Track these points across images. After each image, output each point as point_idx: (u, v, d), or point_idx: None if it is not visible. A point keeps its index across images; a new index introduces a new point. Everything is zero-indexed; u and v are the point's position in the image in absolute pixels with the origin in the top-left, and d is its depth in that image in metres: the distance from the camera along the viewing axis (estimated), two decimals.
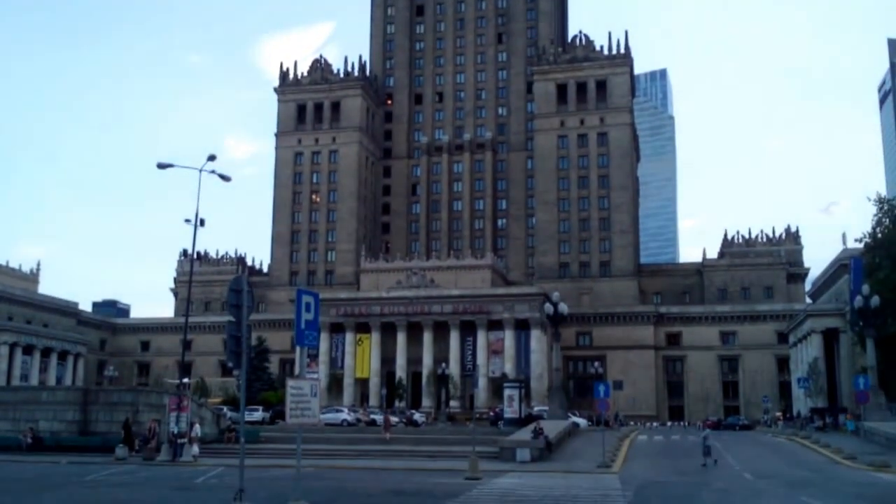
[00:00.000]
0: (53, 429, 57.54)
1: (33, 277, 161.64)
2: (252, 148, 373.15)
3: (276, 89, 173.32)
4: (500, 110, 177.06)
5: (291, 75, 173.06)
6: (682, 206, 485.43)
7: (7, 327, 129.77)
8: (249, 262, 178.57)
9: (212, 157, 49.50)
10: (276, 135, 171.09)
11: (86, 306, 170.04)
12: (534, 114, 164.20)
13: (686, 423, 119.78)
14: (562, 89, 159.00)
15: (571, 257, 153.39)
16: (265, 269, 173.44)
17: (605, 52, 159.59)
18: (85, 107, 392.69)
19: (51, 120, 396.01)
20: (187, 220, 52.35)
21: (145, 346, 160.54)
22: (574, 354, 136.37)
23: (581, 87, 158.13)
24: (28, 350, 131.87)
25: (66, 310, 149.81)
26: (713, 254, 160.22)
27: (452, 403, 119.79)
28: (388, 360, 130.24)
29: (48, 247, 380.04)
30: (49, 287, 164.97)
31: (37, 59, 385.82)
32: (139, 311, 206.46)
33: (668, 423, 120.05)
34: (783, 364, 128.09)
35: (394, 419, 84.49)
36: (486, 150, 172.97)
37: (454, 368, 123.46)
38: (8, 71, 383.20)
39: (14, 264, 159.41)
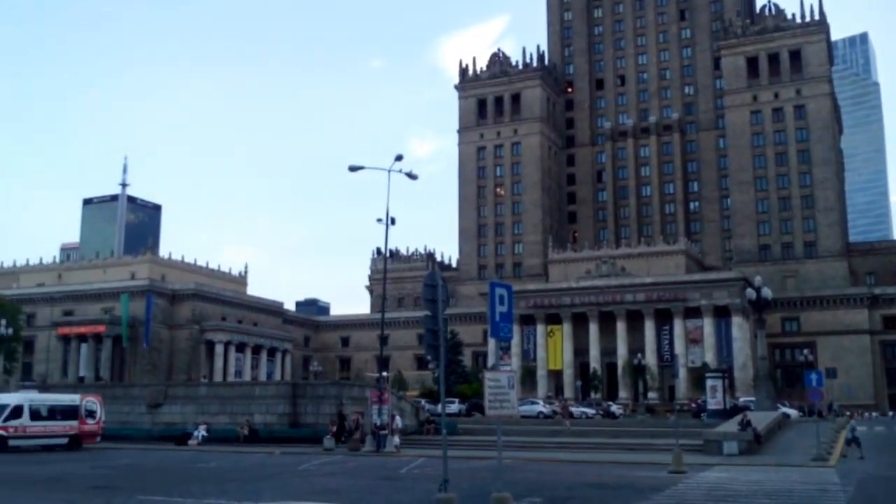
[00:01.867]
0: (266, 421, 60.82)
1: (242, 280, 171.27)
2: (434, 145, 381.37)
3: (456, 86, 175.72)
4: (686, 89, 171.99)
5: (471, 71, 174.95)
6: (893, 179, 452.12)
7: (222, 327, 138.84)
8: (438, 258, 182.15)
9: (399, 158, 50.85)
10: (459, 131, 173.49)
11: (290, 305, 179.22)
12: (723, 90, 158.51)
13: None
14: (752, 62, 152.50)
15: (772, 238, 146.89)
16: (454, 264, 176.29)
17: (798, 19, 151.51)
18: (280, 116, 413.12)
19: (250, 132, 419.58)
20: (379, 220, 54.02)
21: (345, 341, 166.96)
22: (780, 342, 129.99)
23: (773, 59, 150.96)
24: (241, 348, 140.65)
25: (272, 309, 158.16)
26: None
27: (650, 395, 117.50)
28: (581, 351, 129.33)
29: (254, 251, 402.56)
30: (256, 289, 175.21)
31: (228, 76, 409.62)
32: (338, 309, 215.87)
33: (890, 413, 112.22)
34: None
35: (590, 411, 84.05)
36: (674, 132, 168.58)
37: (650, 359, 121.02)
38: (220, 88, 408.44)
39: (224, 268, 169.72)
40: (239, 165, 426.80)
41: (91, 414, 52.18)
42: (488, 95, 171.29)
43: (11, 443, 46.47)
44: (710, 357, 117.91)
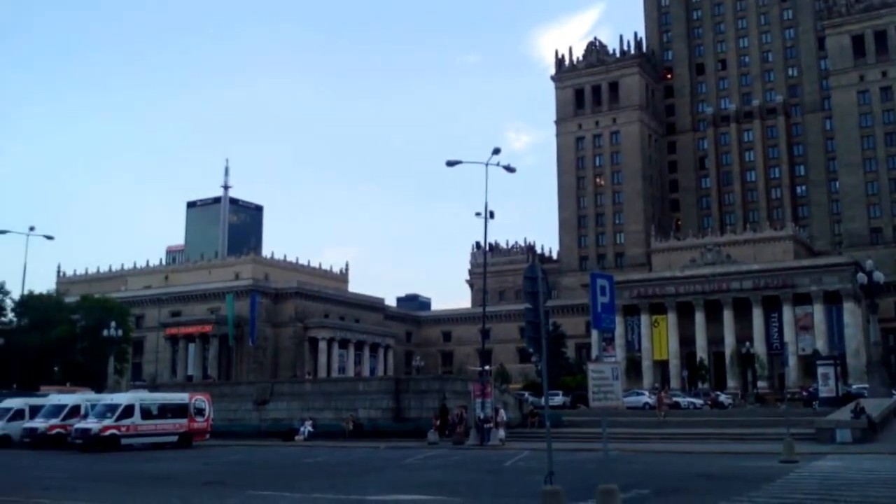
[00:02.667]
0: (370, 416, 61.34)
1: (343, 277, 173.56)
2: (531, 138, 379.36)
3: (552, 77, 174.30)
4: (789, 71, 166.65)
5: (567, 62, 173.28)
6: None
7: (324, 324, 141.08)
8: (538, 250, 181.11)
9: (496, 151, 50.59)
10: (556, 122, 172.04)
11: (391, 302, 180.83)
12: (828, 71, 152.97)
13: None
14: (858, 41, 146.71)
15: (884, 221, 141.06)
16: (554, 256, 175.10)
17: None
18: (378, 115, 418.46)
19: (348, 131, 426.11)
20: (478, 214, 53.82)
21: (447, 336, 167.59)
22: (894, 327, 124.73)
23: (880, 37, 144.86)
24: (343, 344, 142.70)
25: (373, 306, 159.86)
26: None
27: (760, 384, 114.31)
28: (686, 341, 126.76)
29: (354, 249, 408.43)
30: (357, 286, 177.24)
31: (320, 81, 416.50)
32: (439, 304, 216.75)
33: None
34: None
35: (698, 401, 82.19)
36: (778, 115, 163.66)
37: (759, 347, 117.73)
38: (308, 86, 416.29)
39: (325, 266, 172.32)
40: (338, 165, 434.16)
41: (200, 412, 53.41)
42: (585, 85, 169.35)
43: (123, 441, 47.79)
44: (820, 344, 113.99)
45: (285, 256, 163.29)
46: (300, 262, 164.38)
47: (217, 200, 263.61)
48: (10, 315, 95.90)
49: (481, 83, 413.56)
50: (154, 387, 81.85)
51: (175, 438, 50.81)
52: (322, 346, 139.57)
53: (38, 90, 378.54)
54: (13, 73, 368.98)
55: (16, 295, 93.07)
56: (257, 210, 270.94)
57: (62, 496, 23.62)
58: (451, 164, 51.26)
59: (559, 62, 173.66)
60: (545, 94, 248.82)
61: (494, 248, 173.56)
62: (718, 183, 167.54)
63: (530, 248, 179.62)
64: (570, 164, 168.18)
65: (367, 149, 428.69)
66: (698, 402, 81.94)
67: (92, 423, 47.84)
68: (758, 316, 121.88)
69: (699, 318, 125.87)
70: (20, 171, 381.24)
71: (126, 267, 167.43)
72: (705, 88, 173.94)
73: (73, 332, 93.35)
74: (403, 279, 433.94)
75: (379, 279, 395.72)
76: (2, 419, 52.63)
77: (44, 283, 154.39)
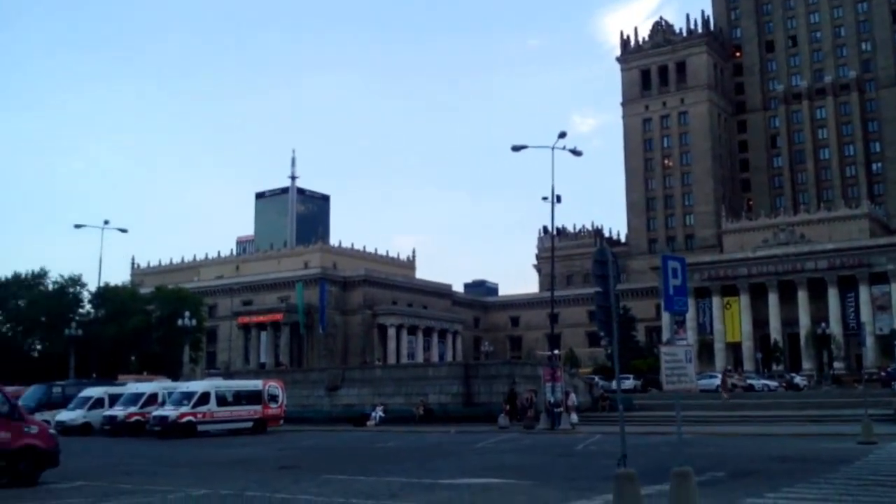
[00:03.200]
0: (441, 401, 61.66)
1: (410, 264, 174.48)
2: (597, 121, 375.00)
3: (617, 58, 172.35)
4: (863, 46, 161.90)
5: (632, 42, 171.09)
6: None
7: (393, 311, 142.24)
8: (606, 233, 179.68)
9: (562, 135, 50.39)
10: (622, 104, 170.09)
11: (458, 288, 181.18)
12: None
13: None
14: None
15: None
16: (622, 239, 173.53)
17: None
18: (441, 102, 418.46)
19: (412, 119, 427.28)
20: (544, 198, 53.59)
21: (515, 321, 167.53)
22: None
23: None
24: (412, 330, 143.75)
25: (441, 292, 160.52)
26: None
27: (836, 365, 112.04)
28: (760, 323, 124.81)
29: (421, 236, 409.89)
30: (424, 273, 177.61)
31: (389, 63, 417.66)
32: (506, 289, 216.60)
33: None
34: None
35: (772, 383, 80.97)
36: (852, 91, 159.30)
37: (835, 327, 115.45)
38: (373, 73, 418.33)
39: (392, 254, 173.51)
40: (403, 153, 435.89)
41: (274, 398, 54.43)
42: (652, 66, 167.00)
43: (200, 427, 48.94)
44: None
45: (353, 245, 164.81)
46: (367, 249, 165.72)
47: (285, 191, 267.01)
48: (88, 307, 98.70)
49: (545, 68, 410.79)
50: (228, 374, 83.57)
51: (250, 424, 51.85)
52: (391, 332, 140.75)
53: (109, 86, 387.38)
54: (85, 66, 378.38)
55: (92, 287, 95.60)
56: (324, 200, 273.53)
57: (144, 481, 24.30)
58: (516, 148, 51.21)
59: (624, 43, 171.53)
60: (611, 76, 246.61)
61: (562, 233, 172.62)
62: (791, 162, 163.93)
63: (598, 232, 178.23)
64: (637, 146, 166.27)
65: (433, 136, 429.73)
66: (773, 384, 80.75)
67: (169, 411, 49.10)
68: (833, 296, 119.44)
69: (772, 299, 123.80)
70: (95, 166, 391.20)
71: (198, 258, 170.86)
72: (775, 66, 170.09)
73: (148, 322, 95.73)
74: (470, 265, 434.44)
75: (446, 266, 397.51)
76: (83, 407, 54.31)
77: (119, 276, 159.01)
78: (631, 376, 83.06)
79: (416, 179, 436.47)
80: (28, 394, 56.66)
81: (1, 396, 23.52)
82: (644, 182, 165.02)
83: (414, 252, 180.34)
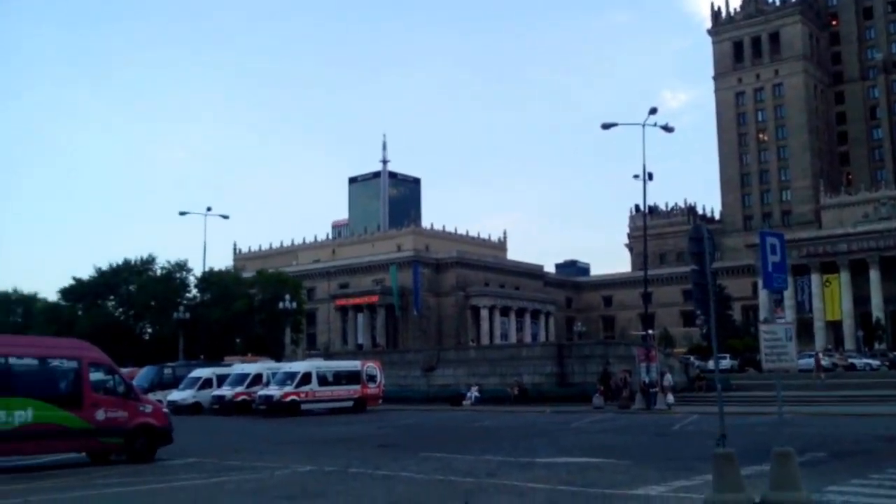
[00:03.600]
0: (534, 381, 62.04)
1: (501, 245, 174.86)
2: (688, 96, 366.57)
3: (708, 31, 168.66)
4: None
5: (723, 14, 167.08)
6: None
7: (485, 292, 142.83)
8: (700, 211, 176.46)
9: (653, 111, 49.93)
10: (714, 77, 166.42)
11: (549, 268, 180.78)
12: None
13: None
14: None
15: None
16: (716, 216, 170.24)
17: None
18: (530, 80, 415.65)
19: (500, 99, 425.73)
20: (636, 176, 53.22)
21: (607, 301, 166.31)
22: None
23: None
24: (504, 311, 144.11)
25: (532, 273, 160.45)
26: None
27: None
28: (861, 300, 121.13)
29: (511, 216, 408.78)
30: (515, 253, 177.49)
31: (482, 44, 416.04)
32: (598, 269, 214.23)
33: None
34: None
35: (874, 362, 78.92)
36: None
37: None
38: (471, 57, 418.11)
39: (484, 235, 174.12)
40: (492, 133, 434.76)
41: (372, 378, 55.71)
42: (744, 37, 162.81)
43: (303, 406, 50.60)
44: None
45: (444, 227, 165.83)
46: (458, 231, 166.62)
47: (377, 175, 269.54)
48: (194, 291, 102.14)
49: (633, 44, 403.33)
50: (328, 355, 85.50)
51: (350, 404, 53.19)
52: (483, 313, 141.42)
53: (206, 78, 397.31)
54: (183, 59, 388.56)
55: (198, 272, 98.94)
56: (415, 183, 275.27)
57: (252, 457, 25.26)
58: (606, 126, 50.95)
59: (715, 15, 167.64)
60: (701, 49, 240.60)
61: (654, 211, 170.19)
62: (892, 133, 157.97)
63: (691, 210, 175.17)
64: (730, 120, 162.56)
65: (522, 116, 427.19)
66: (875, 362, 78.65)
67: (273, 391, 50.84)
68: None
69: (874, 275, 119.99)
70: (196, 155, 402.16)
71: (296, 242, 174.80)
72: (874, 33, 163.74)
73: (251, 305, 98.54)
74: (561, 245, 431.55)
75: (537, 246, 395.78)
76: (192, 388, 56.71)
77: (222, 260, 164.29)
78: (727, 356, 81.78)
79: (505, 160, 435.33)
80: (141, 375, 59.28)
81: (117, 377, 24.76)
82: (738, 157, 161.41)
83: (505, 233, 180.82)
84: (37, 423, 21.79)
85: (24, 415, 21.59)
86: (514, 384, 60.24)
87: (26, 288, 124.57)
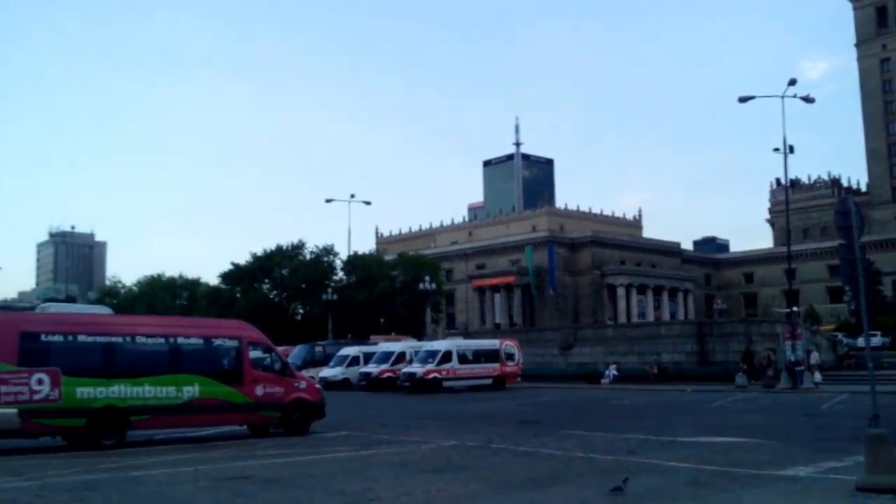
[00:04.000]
0: (674, 360, 61.39)
1: (636, 223, 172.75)
2: (828, 65, 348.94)
3: None
4: None
5: None
6: None
7: (621, 271, 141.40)
8: (845, 183, 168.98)
9: (792, 82, 48.39)
10: (856, 45, 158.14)
11: (687, 245, 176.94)
12: None
13: None
14: None
15: None
16: (863, 189, 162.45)
17: None
18: (662, 54, 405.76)
19: (631, 75, 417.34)
20: (776, 150, 51.80)
21: (748, 278, 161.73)
22: None
23: None
24: (641, 290, 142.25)
25: (669, 250, 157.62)
26: None
27: None
28: None
29: (646, 194, 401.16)
30: (651, 231, 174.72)
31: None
32: (737, 245, 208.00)
33: None
34: None
35: None
36: None
37: None
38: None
39: (618, 213, 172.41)
40: (624, 111, 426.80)
41: (510, 356, 56.54)
42: (888, 1, 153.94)
43: (445, 384, 52.02)
44: None
45: (578, 207, 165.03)
46: (593, 210, 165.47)
47: (510, 157, 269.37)
48: (340, 274, 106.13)
49: (769, 12, 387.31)
50: (467, 334, 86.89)
51: (489, 381, 54.18)
52: (620, 292, 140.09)
53: (343, 69, 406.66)
54: (318, 52, 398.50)
55: (343, 256, 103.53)
56: (548, 163, 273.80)
57: (398, 431, 26.19)
58: (743, 100, 49.64)
59: None
60: (842, 15, 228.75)
61: (795, 184, 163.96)
62: None
63: (835, 182, 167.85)
64: (875, 88, 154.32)
65: (654, 92, 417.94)
66: None
67: (416, 368, 52.51)
68: None
69: None
70: (340, 145, 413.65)
71: (434, 225, 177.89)
72: None
73: (393, 286, 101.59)
74: (698, 222, 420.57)
75: (673, 223, 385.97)
76: (342, 365, 59.43)
77: (365, 244, 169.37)
78: (878, 333, 78.49)
79: (638, 137, 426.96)
80: (295, 353, 62.24)
81: (274, 355, 26.21)
82: (885, 127, 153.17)
83: (640, 211, 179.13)
84: (203, 398, 23.48)
85: (191, 390, 23.29)
86: (653, 363, 59.78)
87: (190, 273, 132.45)
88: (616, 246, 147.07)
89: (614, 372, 60.02)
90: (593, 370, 62.41)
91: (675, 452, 19.87)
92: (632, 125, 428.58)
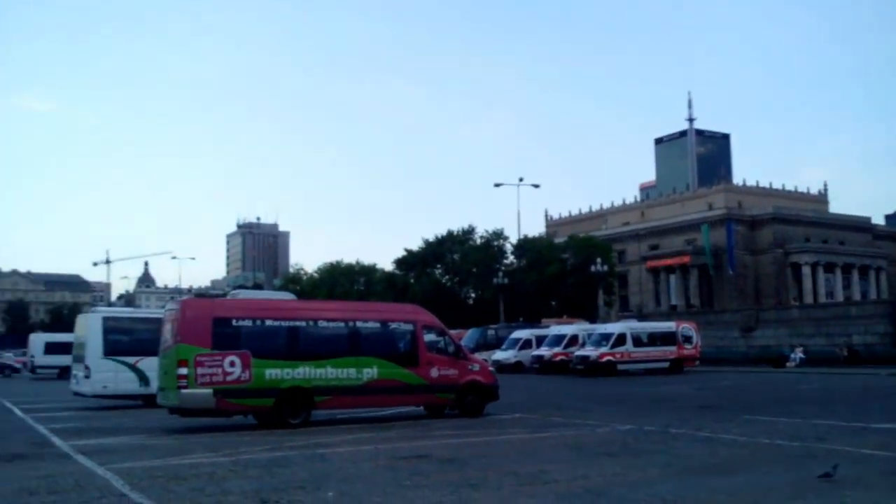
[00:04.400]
0: (866, 342, 58.35)
1: (822, 198, 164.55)
2: None
3: None
4: None
5: None
6: None
7: (806, 248, 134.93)
8: None
9: None
10: None
11: (878, 220, 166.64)
12: None
13: None
14: None
15: None
16: None
17: None
18: (837, 16, 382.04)
19: (808, 38, 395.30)
20: None
21: None
22: None
23: None
24: (828, 268, 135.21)
25: (858, 225, 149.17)
26: None
27: None
28: None
29: (831, 167, 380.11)
30: (837, 206, 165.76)
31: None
32: None
33: None
34: None
35: None
36: None
37: None
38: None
39: (802, 188, 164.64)
40: (803, 81, 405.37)
41: (688, 339, 55.26)
42: None
43: (619, 367, 51.52)
44: None
45: (757, 182, 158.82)
46: (773, 186, 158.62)
47: (683, 134, 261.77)
48: (511, 257, 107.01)
49: None
50: (641, 316, 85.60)
51: (665, 364, 53.22)
52: (805, 270, 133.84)
53: (504, 53, 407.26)
54: (477, 40, 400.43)
55: (513, 239, 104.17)
56: (724, 138, 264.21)
57: (573, 414, 26.09)
58: None
59: None
60: None
61: None
62: None
63: None
64: None
65: (832, 57, 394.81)
66: None
67: (590, 351, 52.20)
68: None
69: None
70: (508, 129, 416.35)
71: (604, 206, 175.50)
72: None
73: (563, 269, 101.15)
74: (890, 194, 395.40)
75: (863, 197, 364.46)
76: (514, 348, 59.98)
77: (535, 227, 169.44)
78: None
79: (819, 107, 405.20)
80: (468, 336, 63.40)
81: (447, 339, 26.70)
82: None
83: (825, 185, 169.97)
84: (381, 380, 24.31)
85: (370, 372, 24.16)
86: (843, 345, 57.07)
87: (367, 260, 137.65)
88: (800, 222, 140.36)
89: (801, 355, 57.55)
90: (777, 353, 60.04)
91: (868, 439, 18.88)
92: (811, 95, 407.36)
